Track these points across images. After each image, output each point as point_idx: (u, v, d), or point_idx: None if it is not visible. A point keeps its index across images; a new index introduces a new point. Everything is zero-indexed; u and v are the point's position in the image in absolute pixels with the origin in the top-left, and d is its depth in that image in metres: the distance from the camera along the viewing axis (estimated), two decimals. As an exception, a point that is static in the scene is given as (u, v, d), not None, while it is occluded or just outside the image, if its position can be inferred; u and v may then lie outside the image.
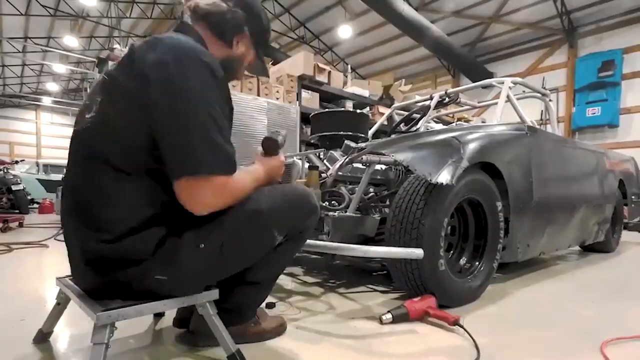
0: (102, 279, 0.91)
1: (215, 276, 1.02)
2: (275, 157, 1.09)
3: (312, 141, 2.69)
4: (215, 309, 1.03)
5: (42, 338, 1.17)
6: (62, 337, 1.25)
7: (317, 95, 5.29)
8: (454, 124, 4.08)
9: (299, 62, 5.08)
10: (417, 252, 1.43)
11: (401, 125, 2.80)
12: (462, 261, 1.81)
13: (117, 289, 0.91)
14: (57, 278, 1.12)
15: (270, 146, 1.09)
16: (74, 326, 1.33)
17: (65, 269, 1.01)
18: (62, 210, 0.96)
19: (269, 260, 1.08)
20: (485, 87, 2.79)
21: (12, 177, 6.41)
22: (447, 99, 2.87)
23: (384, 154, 1.71)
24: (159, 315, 1.41)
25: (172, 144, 0.82)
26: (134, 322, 1.26)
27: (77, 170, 0.92)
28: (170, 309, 1.00)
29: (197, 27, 1.02)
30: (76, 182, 0.92)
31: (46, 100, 17.47)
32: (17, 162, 8.75)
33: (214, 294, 1.03)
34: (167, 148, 0.83)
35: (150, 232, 0.89)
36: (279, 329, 1.26)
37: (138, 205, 0.88)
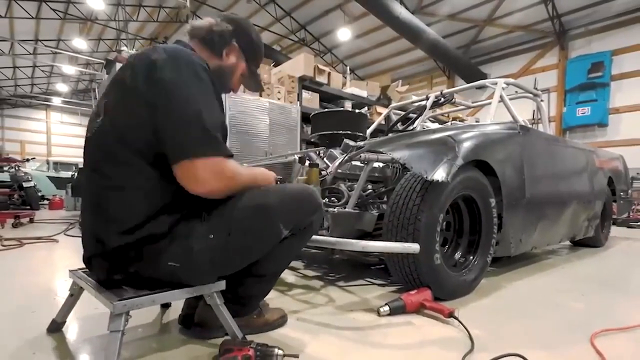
0: (118, 268, 0.97)
1: (224, 267, 1.06)
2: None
3: (312, 140, 2.73)
4: (222, 299, 1.08)
5: (56, 327, 1.22)
6: (73, 327, 1.29)
7: (317, 95, 5.35)
8: (449, 123, 4.15)
9: (299, 63, 5.14)
10: (414, 247, 1.47)
11: (398, 125, 2.85)
12: (457, 255, 1.86)
13: (131, 278, 0.97)
14: (71, 270, 1.16)
15: None
16: (85, 317, 1.37)
17: (74, 263, 1.05)
18: (81, 210, 1.04)
19: (275, 253, 1.12)
20: (479, 87, 2.84)
21: (23, 174, 6.44)
22: (442, 99, 2.92)
23: (381, 152, 1.75)
24: (166, 306, 1.46)
25: (171, 134, 0.90)
26: (143, 313, 1.30)
27: (92, 171, 0.98)
28: (181, 298, 1.04)
29: (191, 42, 1.14)
30: (92, 182, 0.98)
31: (56, 101, 17.68)
32: (28, 160, 8.75)
33: (221, 284, 1.07)
34: (166, 137, 0.90)
35: (162, 221, 0.95)
36: (281, 321, 1.31)
37: (150, 198, 0.95)
